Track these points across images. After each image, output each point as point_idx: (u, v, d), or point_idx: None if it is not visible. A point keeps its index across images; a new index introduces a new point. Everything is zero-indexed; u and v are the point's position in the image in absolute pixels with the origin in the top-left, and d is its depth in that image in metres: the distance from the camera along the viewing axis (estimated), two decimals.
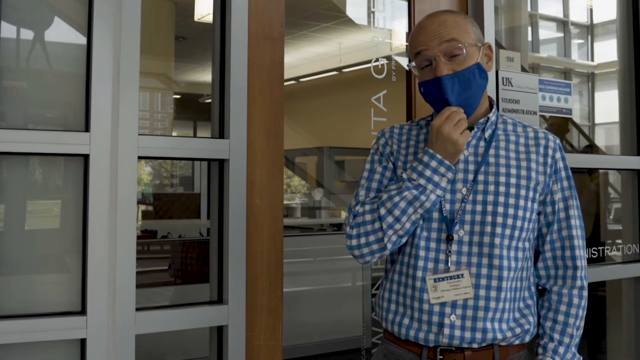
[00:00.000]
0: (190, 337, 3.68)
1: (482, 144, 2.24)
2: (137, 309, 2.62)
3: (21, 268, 2.61)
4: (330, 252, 7.00)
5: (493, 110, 2.29)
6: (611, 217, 5.88)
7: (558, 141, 2.29)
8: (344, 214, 9.96)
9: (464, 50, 2.16)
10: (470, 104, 2.18)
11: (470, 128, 2.22)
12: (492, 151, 2.22)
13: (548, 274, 2.29)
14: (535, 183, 2.20)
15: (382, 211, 2.14)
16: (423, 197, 2.11)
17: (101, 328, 2.56)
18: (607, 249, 4.22)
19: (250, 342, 2.86)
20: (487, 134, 2.24)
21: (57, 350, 2.59)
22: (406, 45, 3.54)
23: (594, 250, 4.07)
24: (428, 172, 2.11)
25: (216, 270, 2.89)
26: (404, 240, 2.18)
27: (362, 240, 2.18)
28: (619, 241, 4.37)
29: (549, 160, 2.24)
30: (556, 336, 2.21)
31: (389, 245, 2.16)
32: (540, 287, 2.33)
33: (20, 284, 2.60)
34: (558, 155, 2.27)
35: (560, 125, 4.93)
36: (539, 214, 2.26)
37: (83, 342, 2.56)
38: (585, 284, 2.25)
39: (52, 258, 2.69)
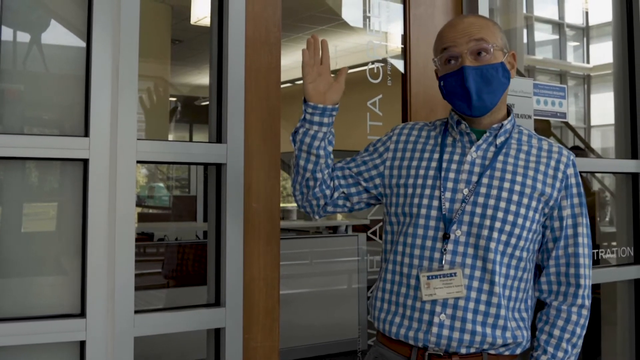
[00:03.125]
0: (188, 339, 3.70)
1: (492, 149, 2.25)
2: (136, 312, 2.64)
3: (21, 271, 2.63)
4: (326, 255, 6.99)
5: (509, 118, 2.29)
6: (606, 219, 5.90)
7: (573, 157, 2.29)
8: (339, 217, 9.96)
9: (492, 50, 2.18)
10: (490, 100, 2.20)
11: (482, 132, 2.25)
12: (500, 157, 2.23)
13: (550, 288, 2.29)
14: (540, 193, 2.20)
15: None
16: (300, 133, 2.33)
17: (100, 330, 2.58)
18: (602, 252, 4.24)
19: (247, 344, 2.88)
20: (499, 140, 2.25)
21: (56, 353, 2.60)
22: (402, 48, 3.56)
23: None
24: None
25: (214, 273, 2.90)
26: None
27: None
28: (614, 244, 4.38)
29: (560, 175, 2.24)
30: (550, 350, 2.22)
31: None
32: (540, 301, 2.34)
33: (20, 286, 2.61)
34: (570, 171, 2.27)
35: (544, 130, 4.94)
36: (544, 227, 2.26)
37: (82, 344, 2.58)
38: (587, 303, 2.25)
39: (51, 261, 2.70)
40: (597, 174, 6.20)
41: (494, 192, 2.18)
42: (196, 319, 2.81)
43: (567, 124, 6.79)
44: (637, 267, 4.11)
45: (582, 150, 6.30)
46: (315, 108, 2.28)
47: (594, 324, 4.57)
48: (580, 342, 2.25)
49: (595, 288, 4.51)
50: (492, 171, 2.21)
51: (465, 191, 2.20)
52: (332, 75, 2.35)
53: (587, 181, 5.75)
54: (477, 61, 2.19)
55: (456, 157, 2.26)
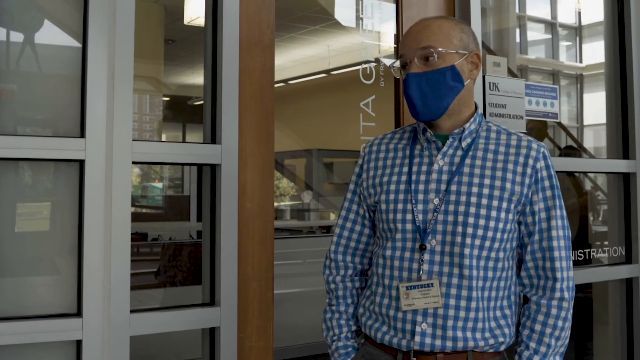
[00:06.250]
0: (183, 338, 3.71)
1: (458, 153, 2.25)
2: (132, 311, 2.66)
3: (18, 270, 2.65)
4: (319, 254, 7.00)
5: (473, 118, 2.29)
6: (599, 219, 5.92)
7: (543, 150, 2.26)
8: (332, 216, 9.96)
9: (435, 56, 2.19)
10: (437, 105, 2.21)
11: (445, 137, 2.26)
12: (467, 161, 2.23)
13: (531, 282, 2.29)
14: (510, 193, 2.19)
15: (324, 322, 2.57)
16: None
17: (96, 330, 2.60)
18: (594, 252, 4.26)
19: (242, 343, 2.90)
20: (465, 143, 2.25)
21: (53, 352, 2.62)
22: (395, 47, 3.58)
23: (580, 252, 4.10)
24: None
25: (208, 272, 2.92)
26: None
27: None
28: (606, 243, 4.41)
29: (529, 170, 2.22)
30: (532, 345, 2.22)
31: None
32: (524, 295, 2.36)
33: (17, 286, 2.62)
34: (540, 164, 2.24)
35: (539, 130, 4.95)
36: (519, 223, 2.26)
37: (79, 343, 2.60)
38: (567, 295, 2.23)
39: (48, 261, 2.71)
40: (589, 174, 6.22)
41: (464, 198, 2.19)
42: (191, 318, 2.83)
43: (559, 123, 6.80)
44: (628, 266, 4.13)
45: (576, 150, 6.31)
46: None
47: (585, 323, 4.60)
48: (565, 334, 2.24)
49: (587, 287, 4.53)
50: (460, 177, 2.21)
51: (436, 200, 2.21)
52: None
53: (580, 181, 5.77)
54: (426, 66, 2.21)
55: (424, 168, 2.27)
